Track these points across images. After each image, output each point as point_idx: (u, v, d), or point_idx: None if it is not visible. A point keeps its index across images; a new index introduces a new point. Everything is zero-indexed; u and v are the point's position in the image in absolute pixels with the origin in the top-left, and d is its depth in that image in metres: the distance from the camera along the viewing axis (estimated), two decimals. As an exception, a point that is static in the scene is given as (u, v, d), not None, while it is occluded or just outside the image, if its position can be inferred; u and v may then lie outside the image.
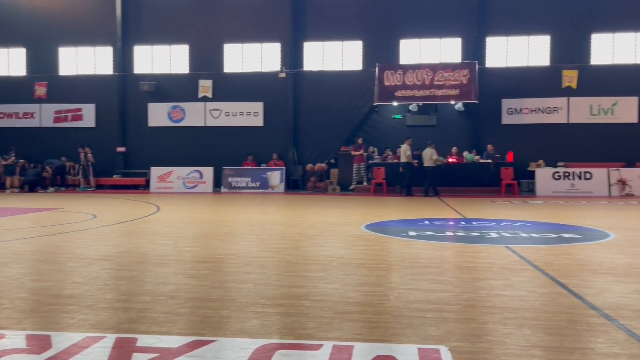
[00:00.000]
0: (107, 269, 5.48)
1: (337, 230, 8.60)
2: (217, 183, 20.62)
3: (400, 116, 20.99)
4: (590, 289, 4.58)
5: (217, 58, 22.21)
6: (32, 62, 23.25)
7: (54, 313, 3.88)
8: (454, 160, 18.42)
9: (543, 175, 18.18)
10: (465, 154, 19.29)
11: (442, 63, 19.85)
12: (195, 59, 22.39)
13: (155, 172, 20.90)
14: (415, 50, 21.23)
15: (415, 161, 17.37)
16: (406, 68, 19.61)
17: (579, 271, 5.35)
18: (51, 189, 20.61)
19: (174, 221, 10.08)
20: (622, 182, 17.50)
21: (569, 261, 5.91)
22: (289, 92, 21.70)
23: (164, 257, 6.13)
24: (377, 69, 19.69)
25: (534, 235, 8.06)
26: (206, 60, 22.26)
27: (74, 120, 22.99)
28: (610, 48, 20.30)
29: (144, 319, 3.72)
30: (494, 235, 8.03)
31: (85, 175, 20.98)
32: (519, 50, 20.78)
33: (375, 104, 20.07)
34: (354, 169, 19.20)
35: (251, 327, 3.55)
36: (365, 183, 19.02)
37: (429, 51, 21.15)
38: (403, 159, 17.41)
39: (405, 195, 17.30)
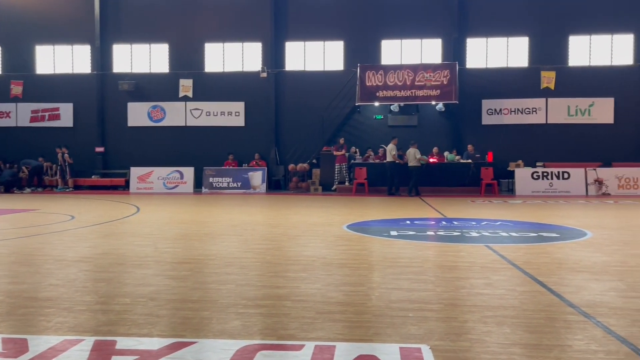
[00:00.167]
0: (86, 271, 5.40)
1: (319, 231, 8.60)
2: (198, 183, 20.47)
3: (381, 116, 21.08)
4: (568, 287, 4.65)
5: (198, 57, 22.06)
6: (8, 60, 22.82)
7: (31, 316, 3.81)
8: (435, 160, 18.56)
9: (522, 175, 18.41)
10: (445, 154, 19.44)
11: (423, 64, 19.98)
12: (175, 58, 22.20)
13: (135, 172, 20.67)
14: (396, 51, 21.34)
15: (400, 160, 17.51)
16: (387, 68, 19.69)
17: (557, 269, 5.43)
18: (28, 190, 20.26)
19: (154, 222, 9.98)
20: (599, 182, 17.81)
21: (548, 260, 5.99)
22: (270, 92, 21.64)
23: (144, 259, 6.07)
24: (358, 69, 19.74)
25: (513, 234, 8.15)
26: (187, 59, 22.09)
27: (51, 119, 22.62)
28: (587, 50, 20.65)
29: (124, 321, 3.67)
30: (474, 234, 8.10)
31: (63, 176, 20.67)
32: (499, 52, 21.02)
33: (357, 104, 20.12)
34: (336, 169, 19.22)
35: (232, 328, 3.53)
36: (347, 183, 19.06)
37: (410, 52, 21.28)
38: (389, 159, 17.52)
39: (396, 194, 17.41)
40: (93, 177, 21.55)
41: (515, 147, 20.26)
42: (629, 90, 20.29)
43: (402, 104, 20.08)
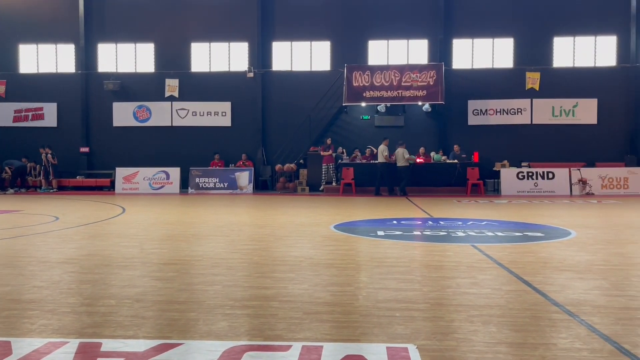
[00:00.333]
0: (70, 273, 5.34)
1: (306, 231, 8.60)
2: (184, 184, 20.35)
3: (368, 117, 21.13)
4: (553, 286, 4.70)
5: (184, 57, 21.93)
6: (-9, 59, 22.51)
7: (14, 318, 3.76)
8: (422, 160, 18.65)
9: (508, 175, 18.56)
10: (432, 154, 19.55)
11: (410, 64, 20.07)
12: (161, 58, 22.05)
13: (121, 172, 20.49)
14: (383, 51, 21.40)
15: (392, 159, 17.59)
16: (374, 69, 19.75)
17: (542, 269, 5.48)
18: (11, 191, 20.00)
19: (139, 223, 9.91)
20: (583, 182, 18.03)
21: (533, 259, 6.05)
22: (257, 92, 21.59)
23: (130, 260, 6.02)
24: (345, 70, 19.77)
25: (499, 234, 8.22)
26: (173, 59, 21.96)
27: (34, 119, 22.35)
28: (571, 51, 20.89)
29: (109, 322, 3.64)
30: (460, 234, 8.15)
31: (47, 177, 20.43)
32: (484, 53, 21.18)
33: (343, 104, 20.14)
34: (323, 170, 19.24)
35: (219, 329, 3.51)
36: (334, 183, 19.08)
37: (397, 52, 21.36)
38: (380, 159, 17.59)
39: (387, 195, 17.48)
40: (78, 177, 21.33)
41: (500, 148, 20.42)
42: (612, 91, 20.56)
43: (388, 104, 20.15)
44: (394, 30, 21.15)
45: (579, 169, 18.32)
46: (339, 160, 19.49)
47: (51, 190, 20.22)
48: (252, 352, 3.09)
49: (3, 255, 6.36)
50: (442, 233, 8.34)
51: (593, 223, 9.95)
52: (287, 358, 3.00)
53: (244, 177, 19.96)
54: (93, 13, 22.08)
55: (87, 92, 22.18)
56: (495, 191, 19.11)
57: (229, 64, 21.95)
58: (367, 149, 19.55)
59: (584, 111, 20.66)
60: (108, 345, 3.19)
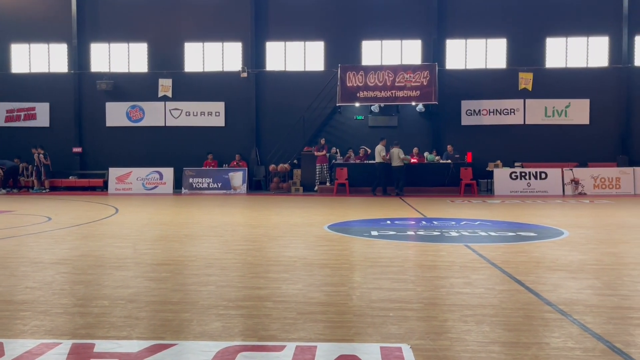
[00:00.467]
0: (63, 273, 5.31)
1: (300, 231, 8.60)
2: (178, 184, 20.29)
3: (362, 117, 21.15)
4: (546, 286, 4.72)
5: (177, 57, 21.87)
6: (-18, 59, 22.36)
7: (6, 319, 3.73)
8: (415, 160, 18.70)
9: (501, 175, 18.63)
10: (425, 154, 19.59)
11: (403, 65, 20.11)
12: (154, 58, 21.98)
13: (114, 173, 20.40)
14: (377, 52, 21.43)
15: (386, 158, 17.63)
16: (368, 69, 19.77)
17: (535, 268, 5.51)
18: (3, 191, 19.87)
19: (133, 223, 9.87)
20: (575, 182, 18.12)
21: (526, 259, 6.08)
22: (251, 92, 21.56)
23: (123, 260, 6.00)
24: (339, 70, 19.78)
25: (492, 233, 8.25)
26: (166, 59, 21.89)
27: (26, 119, 22.22)
28: (563, 52, 20.99)
29: (102, 323, 3.63)
30: (454, 234, 8.18)
31: (39, 177, 20.32)
32: (477, 53, 21.25)
33: (337, 104, 20.15)
34: (317, 170, 19.24)
35: (213, 329, 3.51)
36: (328, 183, 19.09)
37: (390, 53, 21.39)
38: (378, 159, 17.63)
39: (381, 195, 17.52)
40: (70, 178, 21.21)
41: (493, 148, 20.50)
42: (604, 92, 20.68)
43: (382, 104, 20.17)
44: (388, 30, 21.18)
45: (571, 169, 18.42)
46: (333, 161, 19.50)
47: (43, 191, 20.10)
48: (246, 352, 3.08)
49: (-5, 256, 6.32)
50: (435, 233, 8.36)
51: (585, 223, 10.01)
52: (281, 358, 3.00)
53: (237, 178, 19.93)
54: (86, 12, 21.98)
55: (79, 92, 22.07)
56: (489, 191, 19.18)
57: (223, 64, 21.90)
58: (361, 149, 19.58)
59: (577, 111, 20.77)
60: (101, 346, 3.18)
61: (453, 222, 9.75)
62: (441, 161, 19.06)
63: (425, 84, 19.28)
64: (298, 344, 3.20)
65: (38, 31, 22.03)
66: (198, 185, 19.95)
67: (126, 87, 21.90)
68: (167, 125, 21.88)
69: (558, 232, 8.33)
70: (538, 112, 20.85)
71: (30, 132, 21.89)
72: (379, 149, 17.62)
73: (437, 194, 18.05)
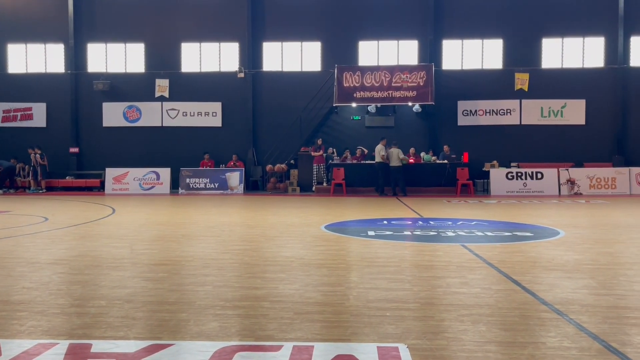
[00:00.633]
0: (60, 274, 5.31)
1: (297, 231, 8.60)
2: (175, 184, 20.27)
3: (359, 117, 21.17)
4: (542, 285, 4.74)
5: (174, 57, 21.85)
6: (-22, 59, 22.29)
7: (3, 320, 3.73)
8: (412, 160, 18.72)
9: (497, 175, 18.67)
10: (422, 154, 19.61)
11: (400, 65, 20.14)
12: (151, 58, 21.95)
13: (111, 173, 20.36)
14: (373, 52, 21.44)
15: (384, 157, 17.65)
16: (364, 70, 19.78)
17: (531, 268, 5.53)
18: (-1, 191, 19.83)
19: (130, 223, 9.86)
20: (571, 182, 18.17)
21: (522, 258, 6.10)
22: (247, 92, 21.55)
23: (120, 261, 5.99)
24: (336, 70, 19.79)
25: (488, 233, 8.27)
26: (163, 59, 21.86)
27: (23, 119, 22.16)
28: (559, 52, 21.05)
29: (99, 323, 3.63)
30: (450, 234, 8.20)
31: (36, 177, 20.27)
32: (474, 53, 21.29)
33: (334, 105, 20.16)
34: (314, 170, 19.25)
35: (210, 329, 3.51)
36: (325, 184, 19.10)
37: (387, 53, 21.41)
38: (377, 159, 17.65)
39: (380, 194, 17.55)
40: (67, 178, 21.17)
41: (490, 148, 20.54)
42: (599, 92, 20.74)
43: (379, 105, 20.19)
44: (384, 31, 21.21)
45: (567, 169, 18.47)
46: (330, 161, 19.52)
47: (40, 191, 20.05)
48: (243, 352, 3.09)
49: (-9, 257, 6.31)
50: (432, 233, 8.38)
51: (581, 223, 10.04)
52: (278, 358, 3.01)
53: (234, 178, 19.92)
54: (83, 12, 21.93)
55: (76, 92, 22.03)
56: (485, 191, 19.22)
57: (220, 64, 21.89)
58: (358, 150, 19.59)
59: (572, 112, 20.83)
60: (98, 346, 3.18)
61: (449, 222, 9.77)
62: (437, 161, 19.09)
63: (421, 84, 19.31)
64: (295, 344, 3.21)
65: (35, 31, 21.97)
66: (195, 185, 19.93)
67: (123, 87, 21.86)
68: (164, 125, 21.86)
69: (554, 232, 8.36)
70: (534, 112, 20.90)
71: (27, 133, 21.83)
72: (379, 149, 17.66)
73: (433, 194, 18.07)
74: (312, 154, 19.28)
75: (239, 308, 4.02)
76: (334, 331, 3.48)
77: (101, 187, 20.54)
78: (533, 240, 7.64)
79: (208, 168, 20.44)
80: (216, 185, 19.88)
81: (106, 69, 22.11)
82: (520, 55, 20.95)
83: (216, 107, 21.75)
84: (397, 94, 19.46)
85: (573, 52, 20.98)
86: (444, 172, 18.53)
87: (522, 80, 20.89)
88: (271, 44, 21.73)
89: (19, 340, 3.27)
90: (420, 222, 10.00)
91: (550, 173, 18.40)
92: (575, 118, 20.84)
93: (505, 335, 3.39)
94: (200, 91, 21.66)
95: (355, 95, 19.67)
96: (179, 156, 21.15)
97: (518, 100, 20.94)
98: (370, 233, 8.28)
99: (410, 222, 10.09)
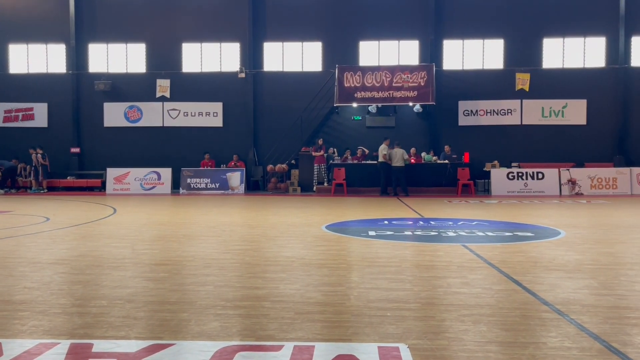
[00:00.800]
0: (61, 273, 5.31)
1: (297, 231, 8.61)
2: (176, 184, 20.28)
3: (359, 117, 21.17)
4: (543, 285, 4.74)
5: (175, 57, 21.86)
6: (-20, 59, 22.31)
7: (5, 319, 3.74)
8: (413, 160, 18.73)
9: (498, 175, 18.67)
10: (423, 154, 19.62)
11: (400, 65, 20.13)
12: (152, 58, 21.97)
13: (112, 173, 20.38)
14: (374, 52, 21.45)
15: (385, 156, 17.66)
16: (365, 70, 19.79)
17: (532, 268, 5.52)
18: (1, 192, 19.83)
19: (131, 223, 9.87)
20: (572, 182, 18.16)
21: (523, 258, 6.09)
22: (248, 92, 21.56)
23: (121, 260, 6.00)
24: (336, 70, 19.79)
25: (489, 233, 8.27)
26: (164, 59, 21.88)
27: (24, 120, 22.19)
28: (560, 52, 21.04)
29: (100, 323, 3.63)
30: (451, 234, 8.19)
31: (37, 177, 20.29)
32: (475, 54, 21.28)
33: (335, 105, 20.17)
34: (315, 170, 19.25)
35: (211, 329, 3.52)
36: (325, 184, 19.10)
37: (388, 53, 21.41)
38: (381, 159, 17.67)
39: (381, 195, 17.57)
40: (68, 178, 21.20)
41: (491, 148, 20.54)
42: (600, 92, 20.73)
43: (379, 105, 20.20)
44: (385, 31, 21.21)
45: (568, 169, 18.46)
46: (331, 161, 19.52)
47: (41, 191, 20.08)
48: (244, 352, 3.09)
49: (-7, 257, 6.32)
50: (433, 233, 8.38)
51: (582, 223, 10.04)
52: (279, 358, 3.01)
53: (235, 178, 19.93)
54: (84, 13, 21.96)
55: (77, 92, 22.05)
56: (486, 191, 19.21)
57: (221, 65, 21.90)
58: (359, 150, 19.60)
59: (573, 112, 20.82)
60: (99, 346, 3.19)
61: (450, 222, 9.77)
62: (438, 161, 19.09)
63: (422, 84, 19.31)
64: (296, 344, 3.21)
65: (36, 31, 22.00)
66: (196, 185, 19.94)
67: (124, 88, 21.89)
68: (165, 125, 21.88)
69: (555, 232, 8.35)
70: (535, 112, 20.89)
71: (28, 133, 21.86)
72: (382, 149, 17.68)
73: (434, 194, 18.07)
74: (313, 154, 19.28)
75: (240, 308, 4.03)
76: (335, 331, 3.48)
77: (102, 187, 20.56)
78: (534, 240, 7.64)
79: (209, 168, 20.45)
80: (217, 185, 19.89)
81: (107, 69, 22.13)
82: (521, 55, 20.94)
83: (217, 107, 21.76)
84: (397, 94, 19.47)
85: (574, 52, 20.97)
86: (444, 172, 18.53)
87: (523, 80, 20.88)
88: (272, 44, 21.74)
89: (20, 340, 3.28)
90: (421, 222, 10.00)
91: (551, 173, 18.39)
92: (576, 118, 20.82)
93: (506, 336, 3.39)
94: (201, 91, 21.67)
95: (356, 95, 19.67)
96: (180, 156, 21.17)
97: (519, 100, 20.93)
98: (371, 233, 8.28)
99: (411, 222, 10.09)
